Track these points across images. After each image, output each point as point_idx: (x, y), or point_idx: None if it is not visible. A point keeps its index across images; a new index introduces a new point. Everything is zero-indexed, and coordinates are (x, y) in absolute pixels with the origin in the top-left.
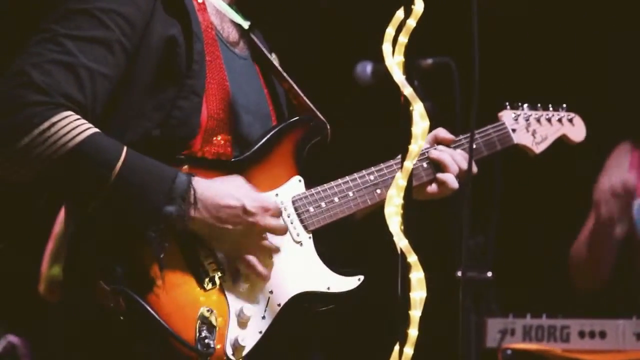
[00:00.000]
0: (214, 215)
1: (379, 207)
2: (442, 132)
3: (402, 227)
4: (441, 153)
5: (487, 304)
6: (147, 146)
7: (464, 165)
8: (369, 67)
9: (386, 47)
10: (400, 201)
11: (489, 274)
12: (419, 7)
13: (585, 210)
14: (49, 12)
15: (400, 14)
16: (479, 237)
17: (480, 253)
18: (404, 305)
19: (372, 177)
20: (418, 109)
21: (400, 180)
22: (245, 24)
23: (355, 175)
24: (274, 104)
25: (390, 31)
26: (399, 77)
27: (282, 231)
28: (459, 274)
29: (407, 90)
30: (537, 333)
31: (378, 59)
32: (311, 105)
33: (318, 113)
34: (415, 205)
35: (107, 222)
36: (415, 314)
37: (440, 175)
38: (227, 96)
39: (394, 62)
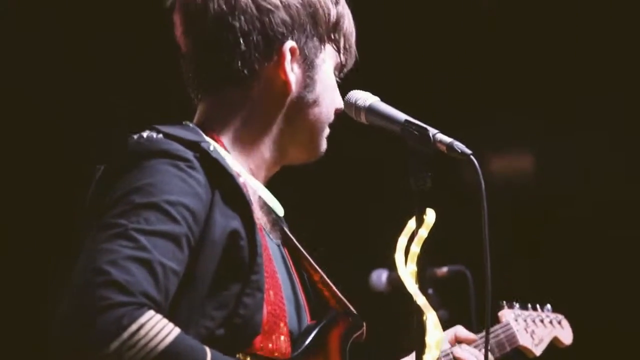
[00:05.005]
0: None
1: None
2: (462, 332)
3: None
4: (464, 352)
5: None
6: (210, 346)
7: None
8: (384, 275)
9: (398, 256)
10: None
11: None
12: (430, 218)
13: None
14: (106, 207)
15: (412, 223)
16: None
17: None
18: None
19: None
20: (431, 319)
21: None
22: (281, 211)
23: None
24: (306, 295)
25: (402, 241)
26: (411, 287)
27: None
28: None
29: (420, 300)
30: None
31: (393, 267)
32: (345, 301)
33: (352, 308)
34: None
35: None
36: None
37: None
38: (279, 290)
39: (407, 271)
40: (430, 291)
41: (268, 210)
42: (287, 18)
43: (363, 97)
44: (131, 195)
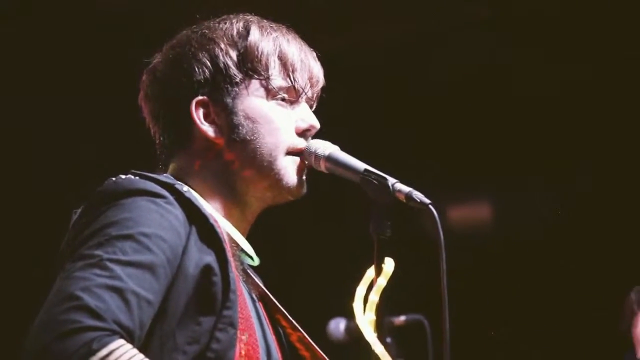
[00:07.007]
0: None
1: None
2: None
3: None
4: None
5: None
6: None
7: None
8: (342, 324)
9: (357, 305)
10: None
11: None
12: (389, 267)
13: None
14: (81, 241)
15: (370, 272)
16: None
17: None
18: None
19: None
20: None
21: None
22: (256, 260)
23: None
24: (282, 352)
25: (361, 289)
26: (370, 335)
27: None
28: None
29: (379, 349)
30: None
31: (351, 316)
32: (325, 357)
33: None
34: None
35: None
36: None
37: None
38: (254, 333)
39: (365, 320)
40: (388, 340)
41: (240, 260)
42: (184, 79)
43: (322, 146)
44: (107, 229)
